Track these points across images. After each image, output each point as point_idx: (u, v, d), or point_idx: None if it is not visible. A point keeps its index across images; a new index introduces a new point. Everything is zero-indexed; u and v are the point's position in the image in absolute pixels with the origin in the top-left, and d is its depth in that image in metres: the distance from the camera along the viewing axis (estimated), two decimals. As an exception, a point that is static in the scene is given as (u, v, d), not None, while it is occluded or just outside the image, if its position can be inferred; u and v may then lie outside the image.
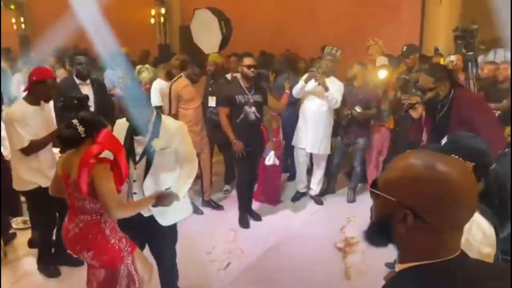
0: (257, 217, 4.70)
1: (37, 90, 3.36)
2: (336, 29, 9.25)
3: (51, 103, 3.76)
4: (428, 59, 5.94)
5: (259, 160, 4.67)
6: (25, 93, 3.44)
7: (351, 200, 5.15)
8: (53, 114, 3.86)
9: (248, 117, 4.32)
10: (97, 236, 2.50)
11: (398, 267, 1.00)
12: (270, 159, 4.68)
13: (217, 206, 4.97)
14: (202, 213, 4.78)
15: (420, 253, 0.96)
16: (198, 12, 7.11)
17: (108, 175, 2.41)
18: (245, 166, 4.47)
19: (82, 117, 2.50)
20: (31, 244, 3.93)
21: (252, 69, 4.29)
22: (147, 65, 5.61)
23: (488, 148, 1.72)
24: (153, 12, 12.26)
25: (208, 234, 4.35)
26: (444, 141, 1.76)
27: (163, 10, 12.20)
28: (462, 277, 0.94)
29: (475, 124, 3.02)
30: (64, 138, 2.49)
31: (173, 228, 2.98)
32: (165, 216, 2.84)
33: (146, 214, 2.79)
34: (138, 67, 5.42)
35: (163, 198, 2.60)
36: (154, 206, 2.62)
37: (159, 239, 2.95)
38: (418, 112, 3.41)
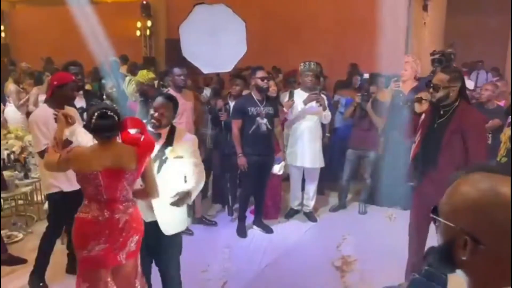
0: (268, 230, 4.71)
1: (59, 94, 3.45)
2: (321, 47, 9.41)
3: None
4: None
5: (269, 172, 4.66)
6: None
7: (363, 212, 5.29)
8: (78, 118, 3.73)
9: (260, 128, 4.44)
10: (139, 217, 2.65)
11: None
12: (280, 168, 4.72)
13: (210, 223, 4.88)
14: (192, 233, 4.57)
15: (491, 281, 0.94)
16: (205, 9, 4.75)
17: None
18: (252, 177, 4.56)
19: (110, 107, 2.63)
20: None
21: (265, 81, 4.46)
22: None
23: None
24: (139, 24, 12.17)
25: (202, 252, 4.24)
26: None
27: (149, 23, 12.13)
28: None
29: (469, 143, 3.04)
30: (108, 127, 2.46)
31: (177, 238, 2.95)
32: (167, 225, 2.83)
33: (148, 219, 2.75)
34: (128, 78, 5.25)
35: (182, 198, 2.72)
36: (174, 204, 2.71)
37: (164, 249, 2.91)
38: (422, 108, 3.29)
